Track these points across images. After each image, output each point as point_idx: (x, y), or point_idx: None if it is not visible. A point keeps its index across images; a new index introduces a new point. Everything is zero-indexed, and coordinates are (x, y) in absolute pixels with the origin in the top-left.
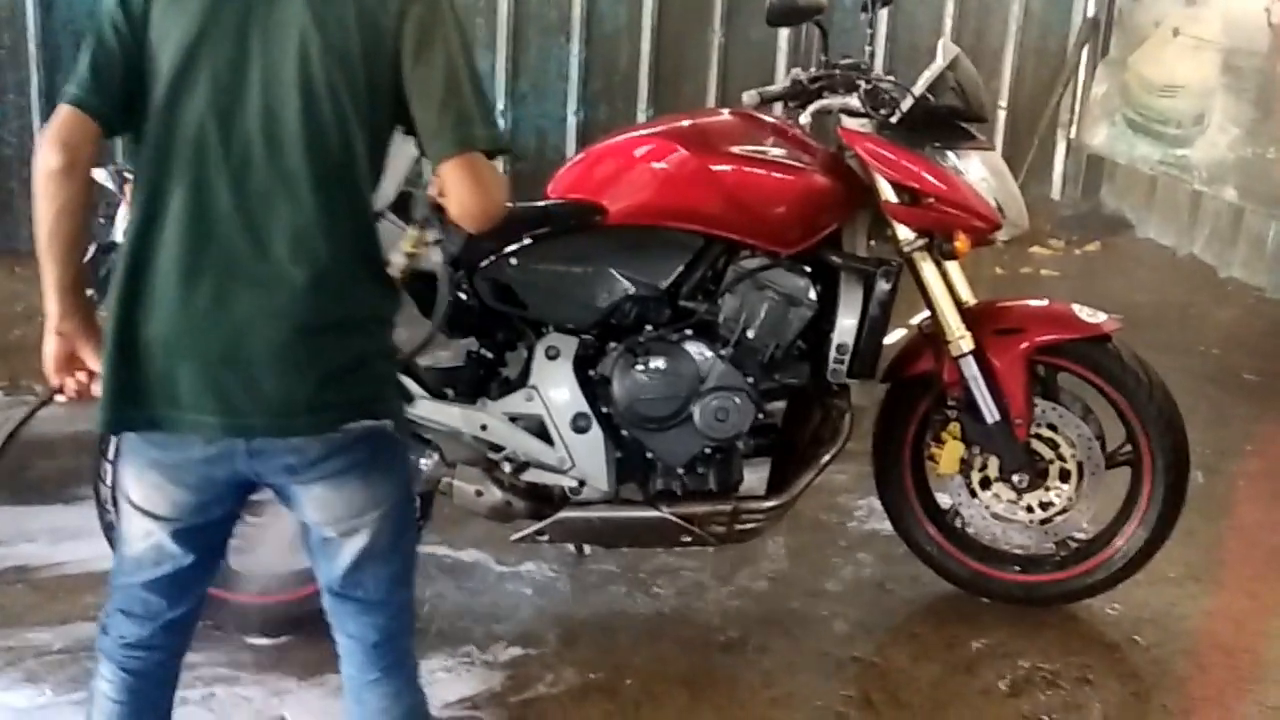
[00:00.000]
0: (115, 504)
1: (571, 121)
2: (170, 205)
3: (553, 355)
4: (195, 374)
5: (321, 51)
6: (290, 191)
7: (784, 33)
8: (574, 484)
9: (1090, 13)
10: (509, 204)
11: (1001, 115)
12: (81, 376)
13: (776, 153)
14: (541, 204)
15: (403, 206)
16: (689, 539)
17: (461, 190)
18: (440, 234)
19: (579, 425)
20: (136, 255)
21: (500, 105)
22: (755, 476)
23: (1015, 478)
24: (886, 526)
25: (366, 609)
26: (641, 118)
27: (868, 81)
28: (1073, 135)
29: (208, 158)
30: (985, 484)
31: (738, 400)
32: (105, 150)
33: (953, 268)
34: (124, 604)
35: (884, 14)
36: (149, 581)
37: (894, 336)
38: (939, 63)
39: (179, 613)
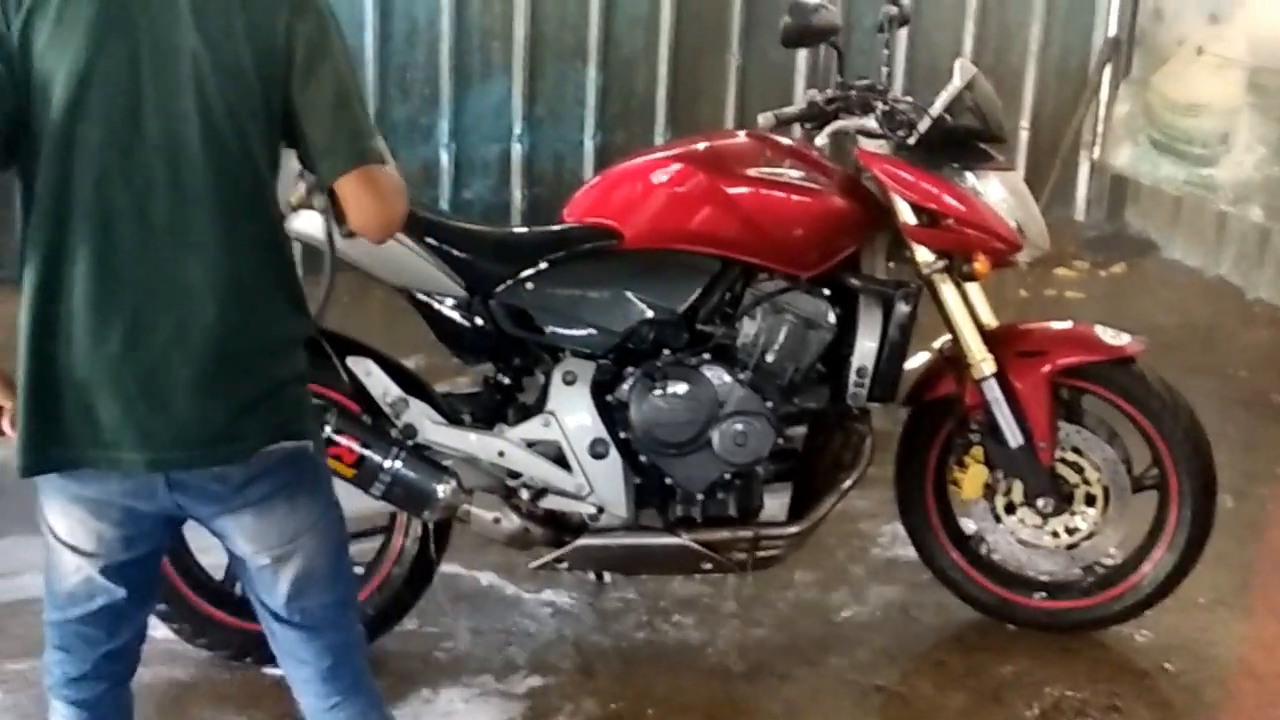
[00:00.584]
0: None
1: (589, 146)
2: (74, 243)
3: (570, 380)
4: (114, 411)
5: (215, 74)
6: (197, 219)
7: (802, 54)
8: (593, 511)
9: (1112, 32)
10: (501, 229)
11: (1024, 136)
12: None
13: (794, 175)
14: (557, 228)
15: None
16: (709, 566)
17: (363, 203)
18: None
19: (597, 451)
20: (44, 295)
21: (517, 130)
22: (776, 502)
23: (1040, 502)
24: (910, 552)
25: (314, 633)
26: (659, 141)
27: (884, 102)
28: (1096, 156)
29: (110, 190)
30: (1010, 509)
31: (757, 425)
32: None
33: (973, 289)
34: (61, 641)
35: (903, 35)
36: (84, 616)
37: (916, 360)
38: (956, 83)
39: (118, 644)
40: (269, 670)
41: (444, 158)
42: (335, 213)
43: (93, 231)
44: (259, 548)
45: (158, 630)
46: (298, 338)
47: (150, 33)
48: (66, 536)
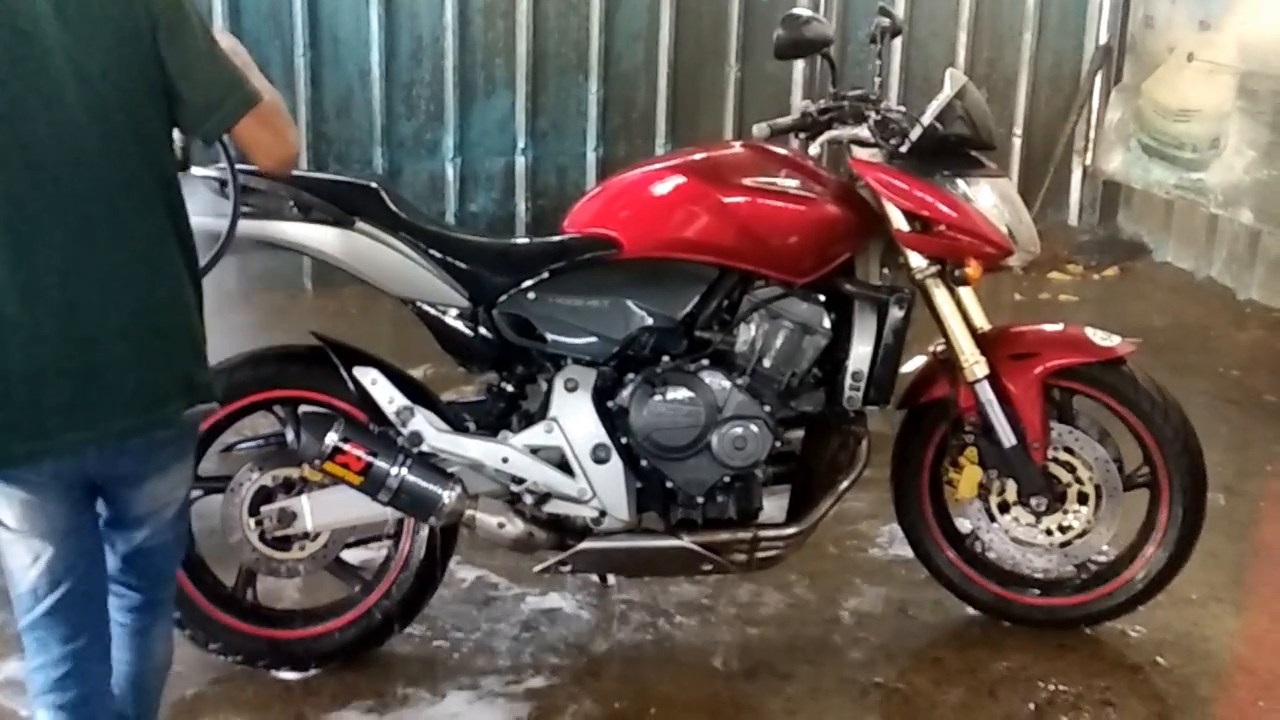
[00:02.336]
0: None
1: (591, 158)
2: None
3: (572, 387)
4: (60, 396)
5: (90, 62)
6: (105, 202)
7: (799, 66)
8: (595, 514)
9: (1103, 40)
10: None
11: (1017, 143)
12: None
13: (789, 184)
14: (558, 238)
15: None
16: (710, 567)
17: (264, 141)
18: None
19: (599, 456)
20: None
21: (521, 143)
22: (775, 504)
23: (1033, 501)
24: (907, 552)
25: (155, 564)
26: (660, 153)
27: (877, 112)
28: (1089, 161)
29: (17, 190)
30: (1004, 508)
31: (755, 429)
32: None
33: (966, 294)
34: (36, 646)
35: (896, 46)
36: (52, 608)
37: (913, 364)
38: (947, 92)
39: (89, 638)
40: (281, 675)
41: (449, 171)
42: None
43: (5, 232)
44: (149, 509)
45: None
46: (199, 304)
47: (21, 38)
48: (17, 523)
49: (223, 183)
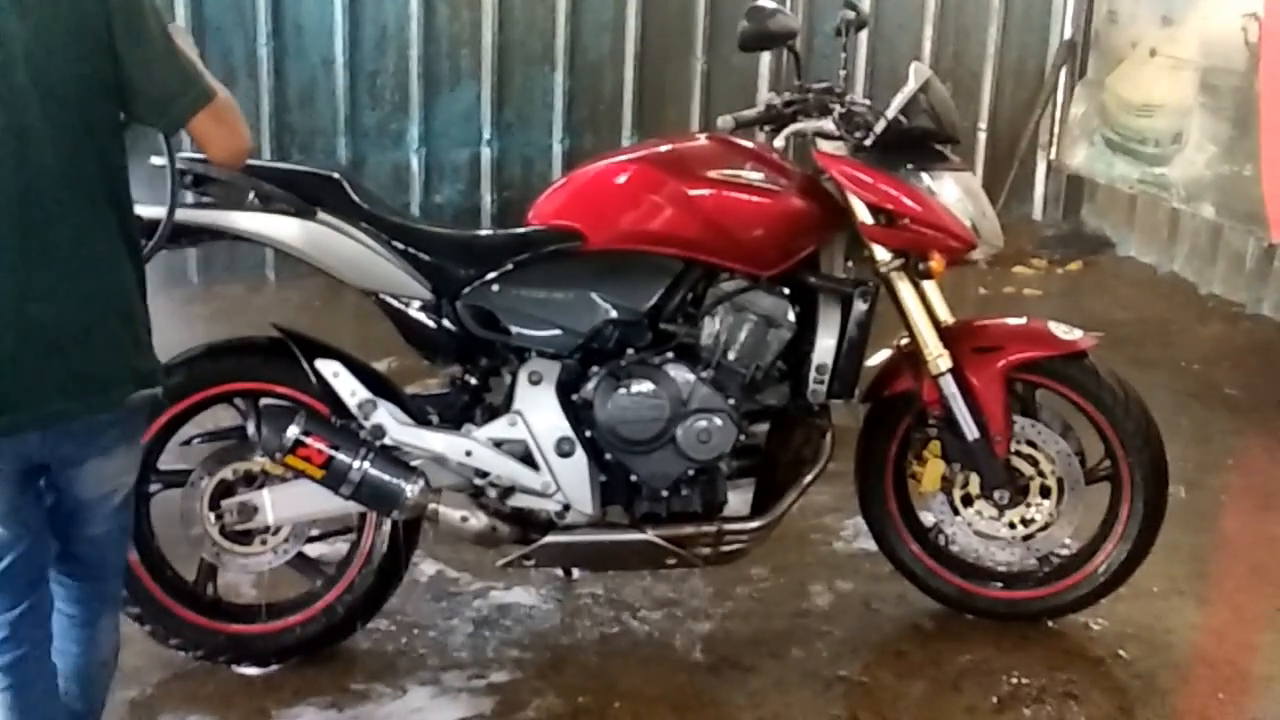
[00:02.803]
0: None
1: (557, 150)
2: None
3: (535, 380)
4: (7, 378)
5: (47, 57)
6: (57, 189)
7: (765, 58)
8: (559, 508)
9: (1067, 34)
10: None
11: (981, 137)
12: None
13: (753, 176)
14: (522, 230)
15: None
16: (674, 561)
17: (218, 135)
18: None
19: (563, 449)
20: None
21: (486, 134)
22: (739, 498)
23: (996, 494)
24: (871, 546)
25: (102, 553)
26: (626, 145)
27: (841, 105)
28: (1053, 156)
29: None
30: (967, 501)
31: (719, 422)
32: None
33: (930, 287)
34: None
35: (863, 39)
36: None
37: (878, 358)
38: (911, 85)
39: (31, 603)
40: (242, 670)
41: (414, 163)
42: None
43: None
44: (96, 493)
45: (130, 628)
46: (142, 292)
47: None
48: None
49: (182, 173)
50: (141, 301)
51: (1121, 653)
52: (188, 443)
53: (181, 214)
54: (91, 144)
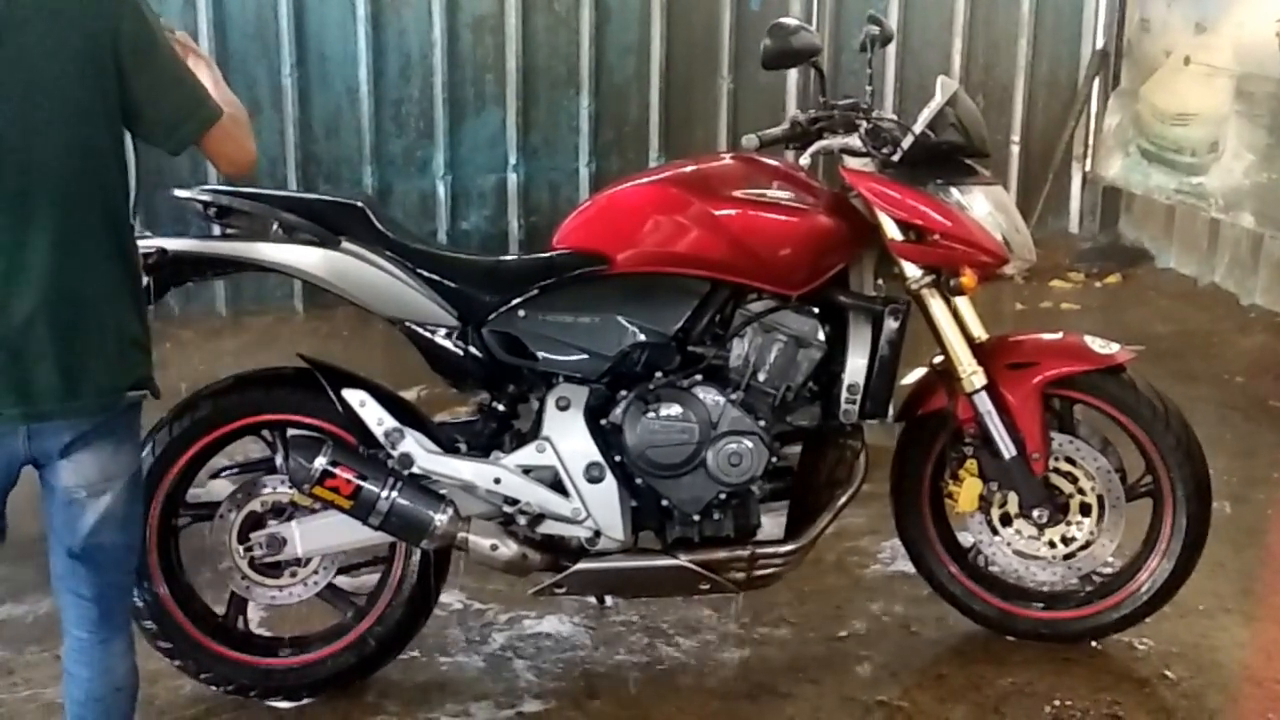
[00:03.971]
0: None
1: (584, 173)
2: None
3: (564, 406)
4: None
5: (52, 77)
6: (51, 207)
7: (793, 76)
8: (590, 535)
9: (1099, 44)
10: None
11: (1015, 150)
12: None
13: (780, 195)
14: (547, 254)
15: None
16: (708, 586)
17: (225, 151)
18: None
19: (592, 475)
20: None
21: (512, 160)
22: (772, 521)
23: (1035, 513)
24: (909, 567)
25: (101, 570)
26: (653, 166)
27: (868, 120)
28: (1088, 167)
29: None
30: (1006, 521)
31: (750, 444)
32: None
33: (962, 303)
34: None
35: (891, 54)
36: None
37: (914, 376)
38: (938, 99)
39: None
40: (273, 704)
41: (440, 190)
42: None
43: None
44: (80, 482)
45: (160, 663)
46: (137, 292)
47: None
48: None
49: (205, 205)
50: (134, 312)
51: (1167, 673)
52: (217, 475)
53: (207, 246)
54: (93, 162)
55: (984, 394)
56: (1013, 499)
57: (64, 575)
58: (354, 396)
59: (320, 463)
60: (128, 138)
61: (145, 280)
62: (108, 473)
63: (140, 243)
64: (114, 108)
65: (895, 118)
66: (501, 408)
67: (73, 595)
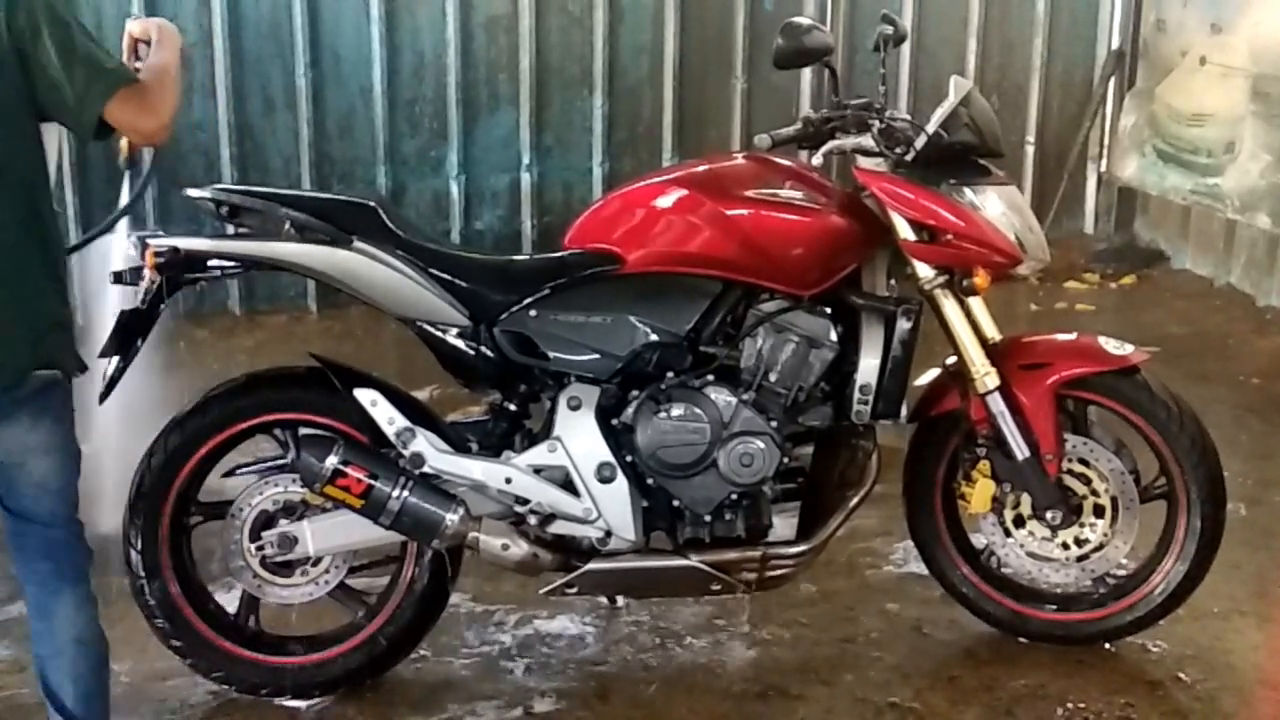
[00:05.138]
0: (145, 569)
1: (597, 173)
2: None
3: (575, 406)
4: None
5: None
6: None
7: (806, 76)
8: (601, 535)
9: (1115, 44)
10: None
11: (1030, 151)
12: None
13: (792, 195)
14: (559, 254)
15: None
16: (719, 587)
17: (127, 119)
18: None
19: (604, 475)
20: None
21: (526, 159)
22: (784, 522)
23: (1048, 515)
24: (921, 569)
25: (46, 526)
26: (667, 166)
27: (880, 120)
28: (1103, 168)
29: None
30: (1019, 522)
31: (762, 445)
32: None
33: (975, 304)
34: None
35: (905, 54)
36: None
37: (926, 376)
38: (951, 99)
39: None
40: (285, 703)
41: (454, 189)
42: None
43: None
44: (11, 447)
45: (172, 661)
46: (60, 282)
47: None
48: None
49: (218, 204)
50: (54, 294)
51: (1181, 675)
52: (229, 474)
53: (220, 245)
54: (8, 149)
55: (997, 395)
56: (1026, 500)
57: (10, 531)
58: (366, 396)
59: (332, 462)
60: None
61: (157, 279)
62: (27, 445)
63: (152, 241)
64: (24, 93)
65: (909, 117)
66: (513, 407)
67: (19, 550)
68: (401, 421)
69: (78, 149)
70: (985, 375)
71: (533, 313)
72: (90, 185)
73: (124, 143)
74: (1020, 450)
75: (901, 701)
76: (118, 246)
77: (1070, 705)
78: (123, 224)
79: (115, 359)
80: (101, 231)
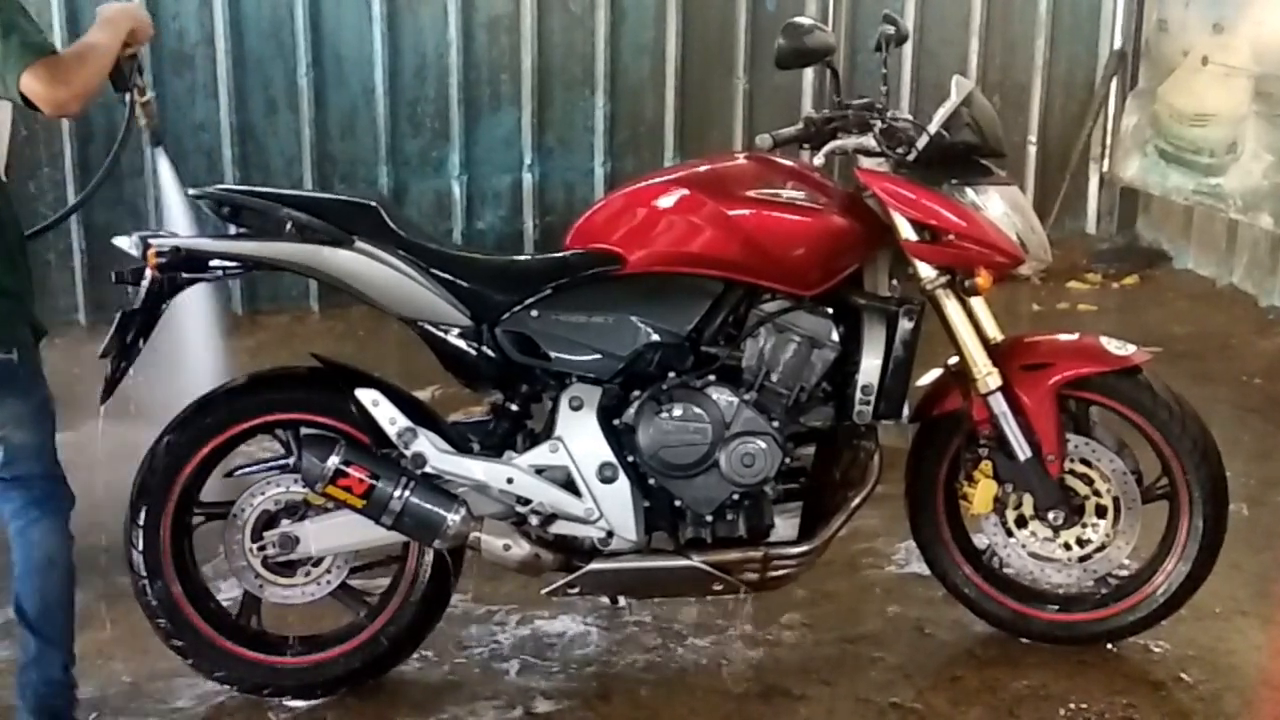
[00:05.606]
0: (147, 569)
1: (599, 173)
2: None
3: (576, 406)
4: None
5: None
6: None
7: (809, 76)
8: (603, 535)
9: (1117, 44)
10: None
11: (1032, 151)
12: None
13: (794, 195)
14: (560, 255)
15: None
16: (721, 587)
17: (36, 92)
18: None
19: (605, 475)
20: None
21: (528, 160)
22: (786, 522)
23: (1050, 515)
24: (923, 569)
25: (27, 481)
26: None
27: (882, 120)
28: (1105, 168)
29: None
30: (1021, 522)
31: (763, 445)
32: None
33: (977, 304)
34: None
35: (907, 54)
36: None
37: (928, 377)
38: (953, 99)
39: None
40: (285, 703)
41: (456, 189)
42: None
43: None
44: None
45: (173, 661)
46: (10, 255)
47: None
48: None
49: (219, 204)
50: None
51: (1183, 676)
52: (231, 474)
53: (221, 245)
54: None
55: (999, 395)
56: (1028, 501)
57: None
58: (367, 396)
59: (333, 462)
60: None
61: (159, 278)
62: None
63: (154, 241)
64: None
65: (910, 118)
66: (514, 407)
67: (3, 493)
68: (403, 422)
69: (79, 147)
70: (987, 375)
71: (534, 313)
72: (89, 178)
73: (143, 120)
74: (1022, 450)
75: (903, 702)
76: (177, 210)
77: (1072, 706)
78: (181, 210)
79: (117, 359)
80: (63, 218)
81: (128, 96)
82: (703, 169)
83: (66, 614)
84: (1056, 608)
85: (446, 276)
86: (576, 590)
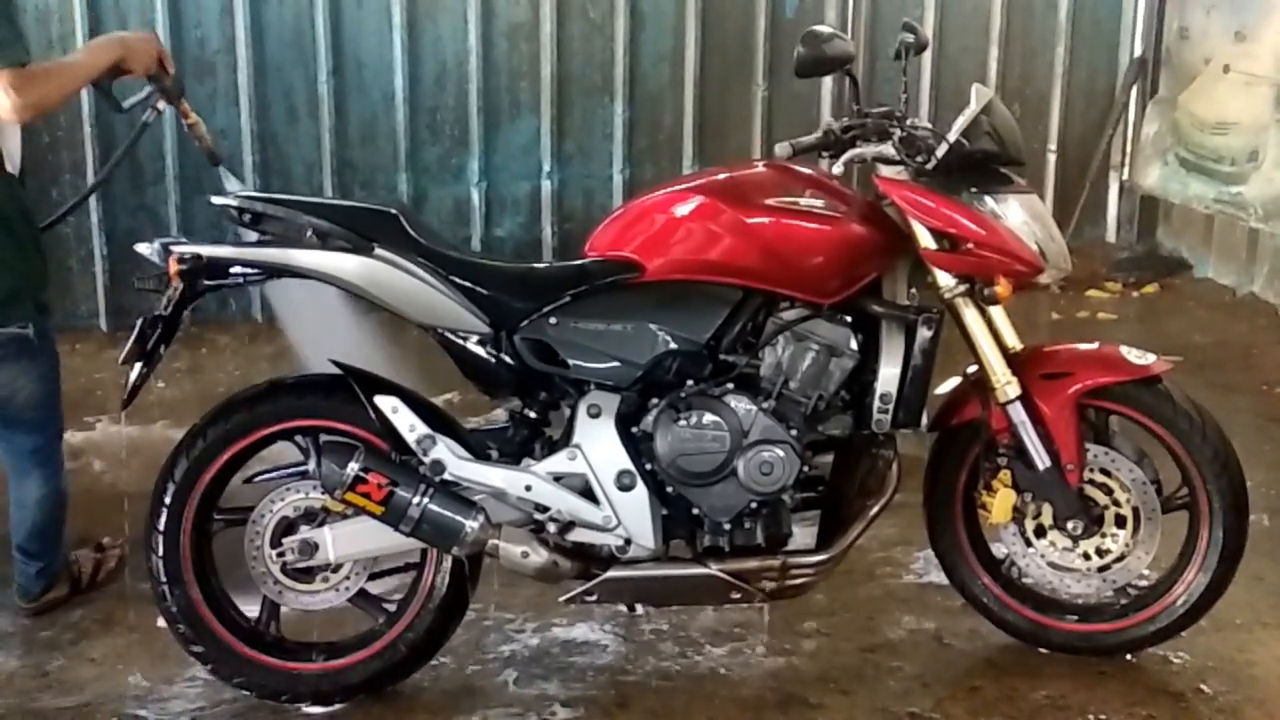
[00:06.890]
0: (167, 575)
1: (618, 181)
2: None
3: (595, 414)
4: None
5: None
6: None
7: (828, 84)
8: (620, 543)
9: (1138, 52)
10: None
11: (1051, 159)
12: None
13: (813, 203)
14: (579, 262)
15: None
16: (739, 595)
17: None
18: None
19: (623, 483)
20: None
21: (547, 167)
22: (804, 531)
23: (1070, 525)
24: (942, 579)
25: (30, 435)
26: (686, 174)
27: (901, 128)
28: (1125, 176)
29: None
30: (1040, 532)
31: (781, 453)
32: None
33: (997, 313)
34: None
35: (927, 62)
36: None
37: (947, 385)
38: (973, 107)
39: None
40: (304, 710)
41: (475, 196)
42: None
43: None
44: None
45: (192, 667)
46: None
47: None
48: None
49: (240, 211)
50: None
51: (1203, 687)
52: (250, 480)
53: (241, 252)
54: None
55: (1018, 404)
56: (1047, 510)
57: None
58: (386, 403)
59: (352, 468)
60: None
61: (179, 286)
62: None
63: (175, 248)
64: None
65: (930, 126)
66: (533, 415)
67: (7, 441)
68: (422, 428)
69: (102, 154)
70: (1006, 384)
71: (553, 320)
72: (115, 188)
73: (198, 134)
74: (1041, 460)
75: (922, 711)
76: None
77: (1091, 717)
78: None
79: (139, 365)
80: (71, 209)
81: (143, 115)
82: (721, 177)
83: (57, 537)
84: (1075, 618)
85: (466, 284)
86: (594, 598)
